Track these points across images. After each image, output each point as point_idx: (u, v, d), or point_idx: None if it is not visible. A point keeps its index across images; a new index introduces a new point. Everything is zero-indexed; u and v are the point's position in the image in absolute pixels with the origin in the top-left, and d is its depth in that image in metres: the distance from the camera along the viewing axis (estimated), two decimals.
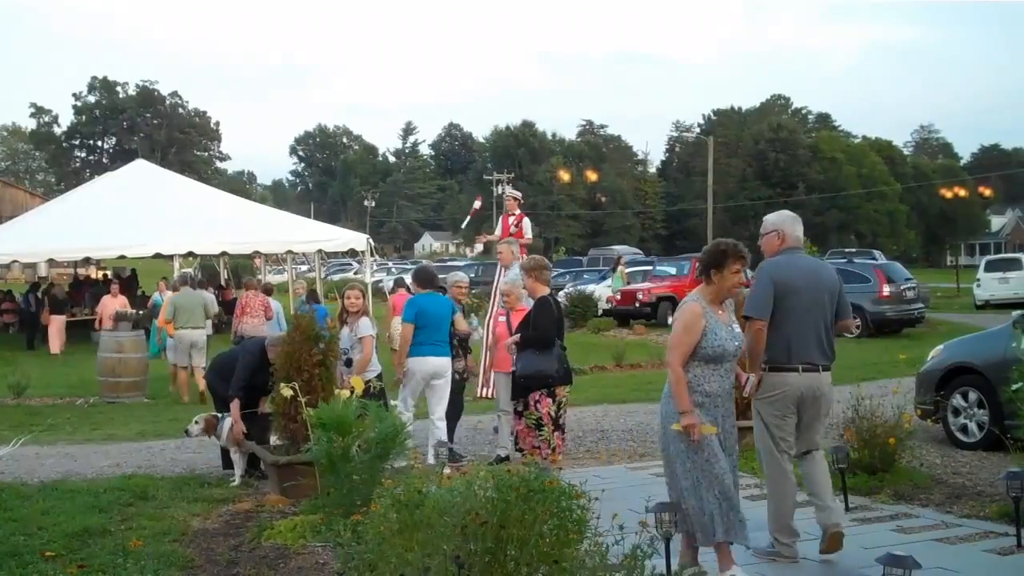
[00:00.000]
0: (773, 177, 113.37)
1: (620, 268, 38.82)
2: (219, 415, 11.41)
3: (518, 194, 17.55)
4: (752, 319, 7.60)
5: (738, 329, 7.28)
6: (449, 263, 64.62)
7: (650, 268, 40.23)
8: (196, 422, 11.56)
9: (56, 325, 29.55)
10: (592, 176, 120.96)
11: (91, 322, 28.98)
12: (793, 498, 7.71)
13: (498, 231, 17.22)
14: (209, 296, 22.80)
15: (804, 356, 7.57)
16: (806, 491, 7.91)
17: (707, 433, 6.96)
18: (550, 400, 10.32)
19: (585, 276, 45.38)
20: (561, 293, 34.85)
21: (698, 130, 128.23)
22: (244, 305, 21.47)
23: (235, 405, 11.25)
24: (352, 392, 9.42)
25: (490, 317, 16.13)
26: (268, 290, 24.40)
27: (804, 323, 7.58)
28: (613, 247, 68.79)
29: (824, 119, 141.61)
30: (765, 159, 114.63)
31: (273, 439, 10.87)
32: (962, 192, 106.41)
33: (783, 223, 8.03)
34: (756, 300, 7.63)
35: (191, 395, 19.61)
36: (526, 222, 17.00)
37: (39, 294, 32.46)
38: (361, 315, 12.05)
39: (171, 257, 29.38)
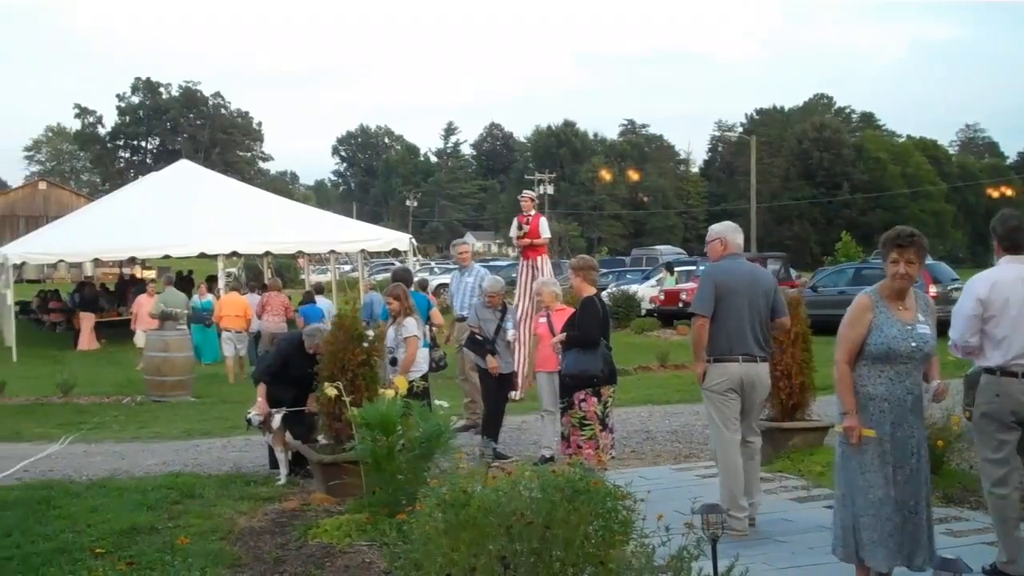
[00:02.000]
0: (817, 177, 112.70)
1: (668, 271, 38.81)
2: (272, 412, 11.48)
3: (533, 194, 17.62)
4: (695, 315, 8.65)
5: (923, 329, 6.54)
6: (491, 263, 64.71)
7: (693, 268, 40.07)
8: (257, 414, 11.61)
9: (87, 323, 29.93)
10: (634, 176, 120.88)
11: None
12: (741, 475, 8.59)
13: (513, 230, 17.28)
14: (184, 296, 25.81)
15: (742, 348, 8.57)
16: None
17: (866, 437, 6.42)
18: (595, 399, 10.32)
19: (628, 276, 45.23)
20: (604, 293, 34.78)
21: (741, 129, 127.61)
22: (265, 304, 23.35)
23: (261, 389, 11.38)
24: (396, 391, 9.45)
25: (522, 318, 16.15)
26: (319, 289, 25.06)
27: (742, 319, 8.57)
28: (656, 247, 68.58)
29: (868, 118, 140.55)
30: (809, 158, 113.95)
31: (319, 438, 10.93)
32: (1009, 191, 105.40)
33: (725, 232, 9.01)
34: (699, 298, 8.67)
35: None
36: (542, 221, 17.04)
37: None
38: (406, 315, 12.09)
39: (215, 257, 29.60)
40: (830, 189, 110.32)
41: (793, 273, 42.13)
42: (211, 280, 28.72)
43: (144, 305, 26.32)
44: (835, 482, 6.76)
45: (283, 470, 11.30)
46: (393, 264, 63.20)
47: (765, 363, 8.81)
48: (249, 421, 11.60)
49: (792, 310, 11.74)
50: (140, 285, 36.27)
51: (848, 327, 6.53)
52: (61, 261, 34.38)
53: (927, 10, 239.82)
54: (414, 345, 11.85)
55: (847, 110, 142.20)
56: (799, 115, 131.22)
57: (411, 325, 11.94)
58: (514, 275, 18.22)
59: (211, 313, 24.97)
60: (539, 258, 17.12)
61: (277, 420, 11.29)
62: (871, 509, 6.37)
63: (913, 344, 6.42)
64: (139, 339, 24.65)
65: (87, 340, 30.11)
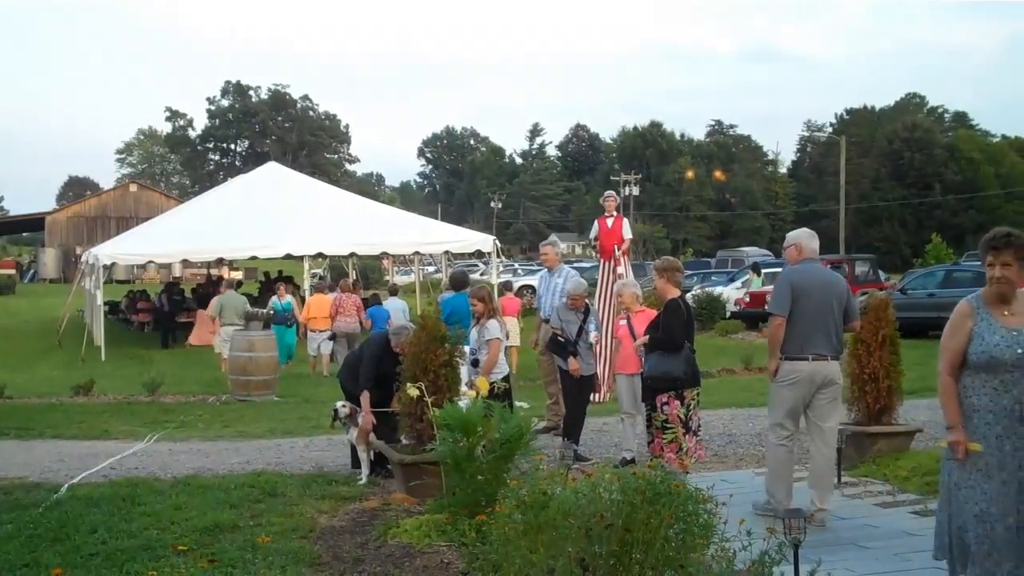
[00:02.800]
0: (908, 177, 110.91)
1: (755, 272, 38.45)
2: (358, 408, 11.54)
3: (614, 193, 17.59)
4: (772, 315, 9.20)
5: None
6: (576, 265, 64.62)
7: (780, 270, 39.65)
8: (344, 405, 11.70)
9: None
10: (721, 176, 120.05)
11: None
12: (791, 479, 9.18)
13: (594, 233, 17.23)
14: (244, 299, 25.99)
15: (814, 348, 9.06)
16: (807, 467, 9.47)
17: (972, 451, 6.03)
18: (678, 402, 10.27)
19: (713, 278, 44.91)
20: (689, 295, 34.60)
21: (830, 130, 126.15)
22: (338, 305, 24.22)
23: (365, 398, 11.42)
24: (478, 393, 9.45)
25: (603, 320, 16.10)
26: (393, 290, 25.32)
27: (815, 321, 9.08)
28: (742, 248, 68.02)
29: (961, 118, 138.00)
30: (900, 159, 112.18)
31: (401, 438, 10.96)
32: None
33: (800, 238, 9.61)
34: (776, 299, 9.22)
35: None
36: (625, 223, 16.97)
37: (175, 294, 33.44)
38: (489, 317, 12.11)
39: (301, 258, 29.91)
40: (921, 190, 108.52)
41: (882, 275, 41.54)
42: (288, 281, 28.98)
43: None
44: (939, 495, 6.42)
45: (364, 470, 11.36)
46: (477, 265, 63.80)
47: (836, 361, 9.28)
48: (335, 412, 11.71)
49: (880, 312, 11.60)
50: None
51: (948, 336, 6.21)
52: (150, 262, 35.08)
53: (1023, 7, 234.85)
54: (496, 347, 11.90)
55: (939, 109, 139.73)
56: (890, 115, 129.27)
57: (494, 327, 11.99)
58: (598, 277, 18.19)
59: (291, 314, 25.40)
60: (621, 258, 17.11)
61: (365, 418, 11.36)
62: (974, 524, 6.00)
63: (1020, 351, 5.99)
64: (218, 343, 24.76)
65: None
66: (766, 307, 10.22)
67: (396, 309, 23.33)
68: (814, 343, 9.05)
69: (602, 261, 17.58)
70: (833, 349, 9.17)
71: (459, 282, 15.08)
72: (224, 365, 22.75)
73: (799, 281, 9.21)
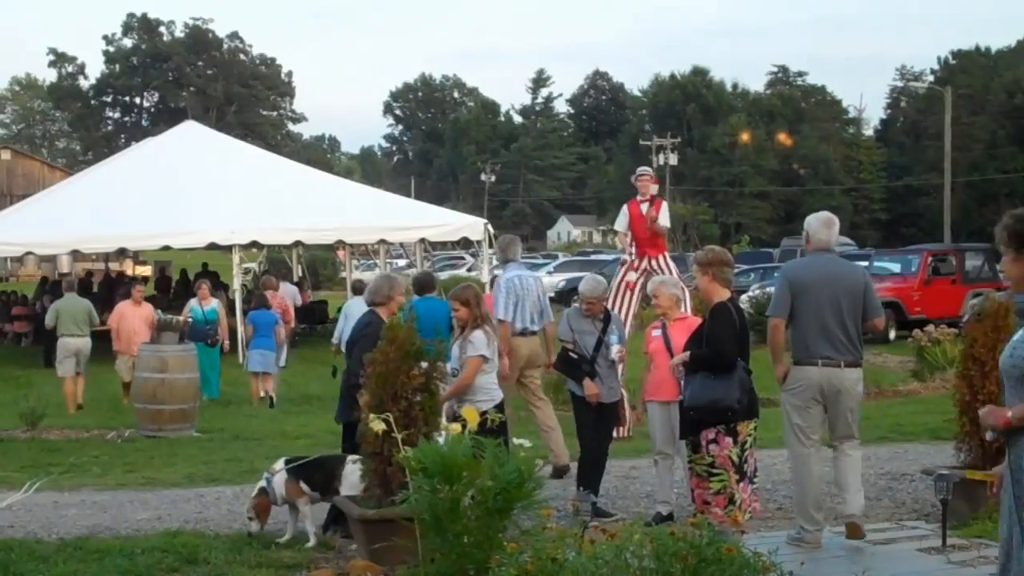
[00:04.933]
0: None
1: None
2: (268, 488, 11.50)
3: (650, 171, 17.70)
4: (769, 317, 10.51)
5: None
6: (593, 256, 64.67)
7: (865, 264, 39.70)
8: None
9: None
10: (786, 140, 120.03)
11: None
12: (817, 487, 10.52)
13: (623, 221, 17.30)
14: (88, 303, 25.33)
15: (821, 351, 10.16)
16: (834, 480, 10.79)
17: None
18: (730, 440, 10.25)
19: (776, 275, 44.93)
20: (743, 297, 34.59)
21: (931, 79, 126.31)
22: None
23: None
24: (464, 426, 9.45)
25: (627, 326, 16.14)
26: (358, 288, 24.99)
27: (820, 320, 10.15)
28: None
29: None
30: (1023, 118, 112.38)
31: (360, 486, 10.95)
32: None
33: (809, 225, 10.66)
34: (773, 299, 10.67)
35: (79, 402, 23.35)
36: (664, 208, 17.06)
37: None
38: (475, 327, 11.84)
39: (229, 249, 29.90)
40: None
41: (1000, 271, 41.56)
42: (211, 278, 28.95)
43: (128, 317, 24.31)
44: None
45: (309, 528, 11.36)
46: (464, 258, 63.85)
47: (853, 368, 10.40)
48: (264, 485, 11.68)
49: (999, 320, 11.58)
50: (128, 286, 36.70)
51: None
52: (29, 253, 34.78)
53: None
54: (473, 366, 11.58)
55: None
56: (1010, 59, 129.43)
57: (479, 340, 11.59)
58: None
59: (215, 326, 24.44)
60: (659, 257, 17.17)
61: (276, 484, 11.36)
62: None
63: None
64: (122, 368, 23.82)
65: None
66: None
67: (360, 313, 23.27)
68: (821, 346, 10.21)
69: (634, 257, 17.62)
70: (847, 353, 10.30)
71: (425, 285, 15.70)
72: (126, 389, 22.73)
73: (798, 277, 10.54)
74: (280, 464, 11.55)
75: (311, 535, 11.35)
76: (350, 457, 11.34)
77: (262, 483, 11.53)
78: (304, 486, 11.37)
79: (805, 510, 10.42)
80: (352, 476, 11.10)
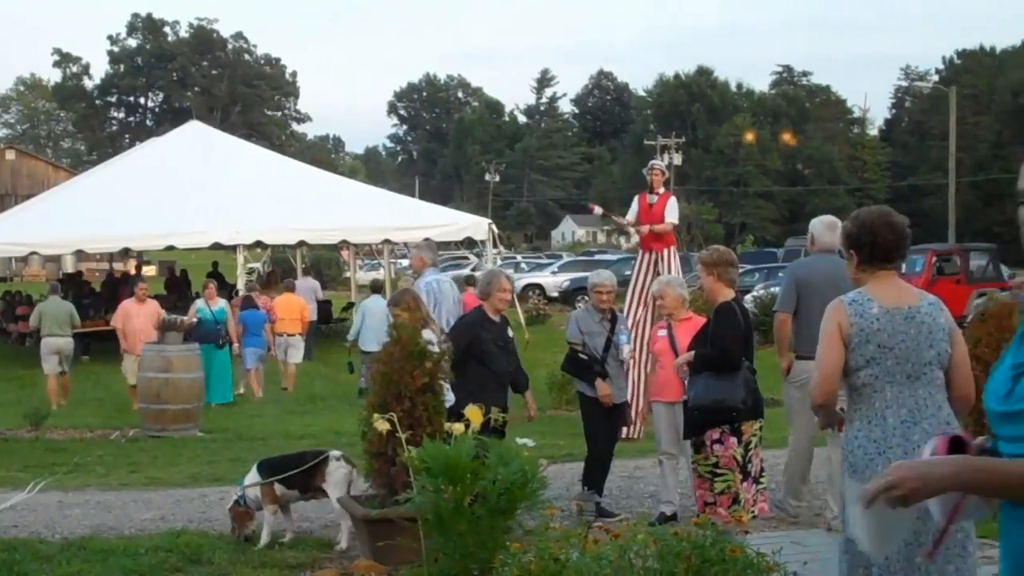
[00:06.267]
0: None
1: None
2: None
3: (662, 165, 17.65)
4: (776, 312, 11.51)
5: None
6: (598, 256, 64.65)
7: None
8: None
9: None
10: (791, 141, 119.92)
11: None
12: (807, 468, 11.73)
13: (632, 215, 17.27)
14: (70, 306, 26.28)
15: None
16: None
17: None
18: (734, 439, 10.23)
19: (780, 275, 44.90)
20: (748, 297, 34.57)
21: (936, 78, 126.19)
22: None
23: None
24: (468, 426, 9.43)
25: (634, 327, 16.12)
26: (376, 287, 25.18)
27: (819, 318, 10.02)
28: None
29: None
30: None
31: (364, 486, 10.95)
32: None
33: (814, 227, 11.48)
34: (780, 295, 11.72)
35: (60, 400, 24.16)
36: (671, 203, 17.03)
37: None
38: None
39: (233, 248, 29.89)
40: None
41: (1005, 271, 41.52)
42: (217, 279, 28.97)
43: (133, 316, 23.75)
44: None
45: (266, 531, 11.14)
46: (468, 259, 63.78)
47: None
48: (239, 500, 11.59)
49: (1003, 320, 11.59)
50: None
51: None
52: (33, 253, 34.75)
53: None
54: None
55: None
56: (1015, 59, 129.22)
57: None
58: (627, 272, 18.22)
59: (224, 326, 24.12)
60: (666, 250, 17.13)
61: (251, 477, 11.30)
62: None
63: None
64: (128, 369, 23.17)
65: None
66: None
67: (379, 311, 23.20)
68: None
69: (640, 252, 17.62)
70: None
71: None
72: (132, 393, 22.65)
73: (804, 275, 11.28)
74: (252, 475, 11.41)
75: (264, 536, 11.16)
76: (332, 453, 11.34)
77: (236, 496, 11.45)
78: (281, 488, 11.28)
79: (793, 484, 11.53)
80: (337, 473, 11.12)
